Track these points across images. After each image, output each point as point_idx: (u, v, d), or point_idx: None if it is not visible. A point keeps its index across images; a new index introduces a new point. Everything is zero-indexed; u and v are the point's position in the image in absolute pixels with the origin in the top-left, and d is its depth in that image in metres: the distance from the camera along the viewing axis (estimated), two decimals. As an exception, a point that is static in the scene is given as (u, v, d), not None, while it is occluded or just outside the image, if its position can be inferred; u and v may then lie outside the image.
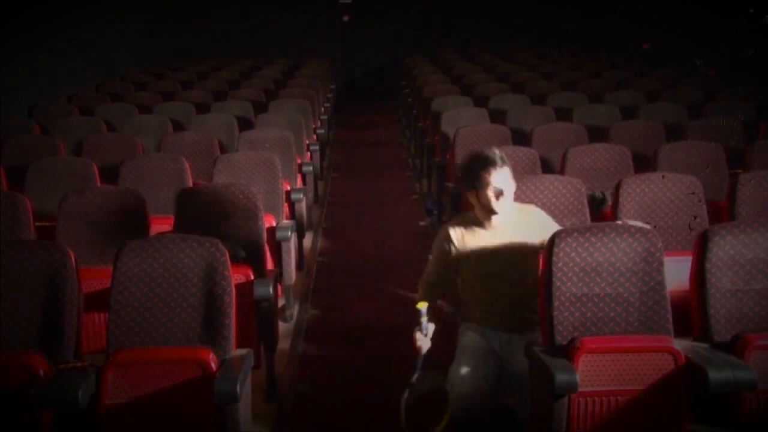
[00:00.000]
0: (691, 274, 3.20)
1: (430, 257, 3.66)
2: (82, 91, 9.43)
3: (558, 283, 3.10)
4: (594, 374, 2.95)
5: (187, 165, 5.27)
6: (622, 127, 6.54)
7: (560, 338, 3.08)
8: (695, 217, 4.28)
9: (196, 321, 3.12)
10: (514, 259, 3.44)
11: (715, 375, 2.82)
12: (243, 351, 3.15)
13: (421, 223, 7.27)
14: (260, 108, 8.17)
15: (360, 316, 5.19)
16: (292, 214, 5.74)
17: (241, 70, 11.79)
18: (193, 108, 7.88)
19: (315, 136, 8.29)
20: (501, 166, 3.42)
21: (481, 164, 3.46)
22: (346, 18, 15.48)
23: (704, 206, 4.32)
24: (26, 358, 2.90)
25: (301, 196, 5.84)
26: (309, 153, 7.42)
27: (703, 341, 3.13)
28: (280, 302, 4.87)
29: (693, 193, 4.32)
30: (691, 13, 10.84)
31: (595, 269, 3.11)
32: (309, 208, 6.46)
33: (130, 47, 12.54)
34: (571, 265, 3.11)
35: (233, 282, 3.17)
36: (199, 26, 14.58)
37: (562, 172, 5.33)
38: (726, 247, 3.13)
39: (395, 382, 4.19)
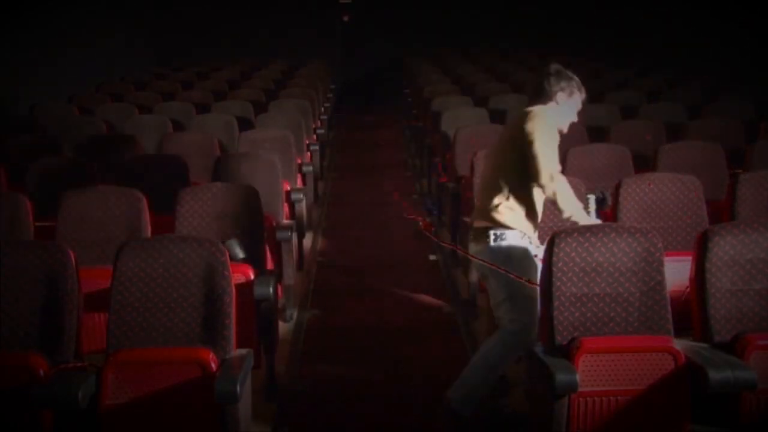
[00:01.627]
0: (691, 274, 3.20)
1: (546, 146, 3.41)
2: (82, 91, 9.43)
3: (558, 283, 3.10)
4: (594, 374, 2.95)
5: (187, 165, 5.27)
6: (622, 127, 6.54)
7: (560, 338, 3.09)
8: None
9: (196, 321, 3.12)
10: None
11: (715, 375, 2.82)
12: (243, 351, 3.15)
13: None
14: (260, 108, 8.18)
15: (360, 316, 5.19)
16: (292, 214, 5.74)
17: (241, 70, 11.80)
18: (193, 108, 7.88)
19: (315, 136, 8.29)
20: None
21: (582, 88, 3.58)
22: (346, 18, 15.49)
23: (704, 206, 4.32)
24: (26, 358, 2.90)
25: (301, 196, 5.84)
26: (309, 153, 7.42)
27: (703, 341, 3.13)
28: (280, 302, 4.88)
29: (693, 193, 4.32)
30: (691, 14, 10.84)
31: (595, 269, 3.11)
32: (309, 208, 6.46)
33: (130, 47, 12.54)
34: (571, 265, 3.11)
35: (233, 282, 3.17)
36: (199, 26, 14.59)
37: (562, 172, 5.32)
38: (726, 247, 3.13)
39: (395, 382, 4.20)
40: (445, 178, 6.50)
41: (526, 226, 3.50)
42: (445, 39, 14.69)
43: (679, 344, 3.00)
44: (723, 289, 3.12)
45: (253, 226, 4.25)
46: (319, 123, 9.00)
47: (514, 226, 3.46)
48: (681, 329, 3.21)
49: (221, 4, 14.81)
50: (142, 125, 7.08)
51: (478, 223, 3.53)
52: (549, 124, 3.46)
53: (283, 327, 4.76)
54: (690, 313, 3.22)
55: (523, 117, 3.48)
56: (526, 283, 3.39)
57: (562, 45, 13.75)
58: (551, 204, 3.49)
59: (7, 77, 7.83)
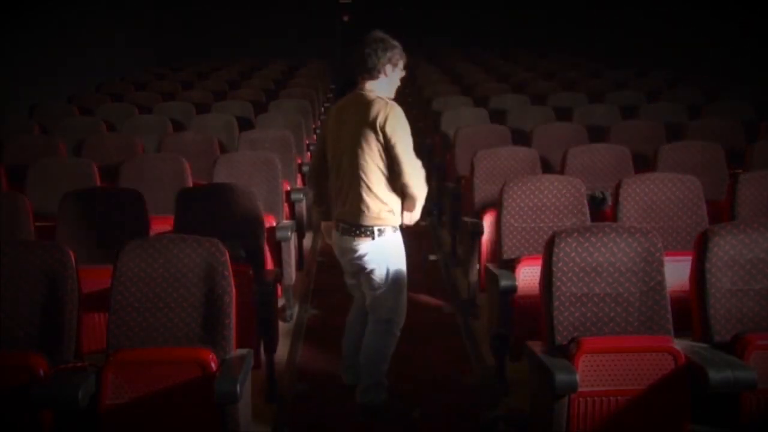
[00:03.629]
0: (691, 274, 3.20)
1: (410, 147, 3.52)
2: (82, 91, 9.43)
3: (558, 283, 3.10)
4: (594, 374, 2.95)
5: (187, 165, 5.27)
6: (622, 127, 6.54)
7: (560, 338, 3.09)
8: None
9: (196, 321, 3.12)
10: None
11: (715, 375, 2.82)
12: (243, 351, 3.15)
13: (422, 223, 7.26)
14: (260, 108, 8.17)
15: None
16: (292, 214, 5.74)
17: (241, 70, 11.79)
18: (193, 108, 7.88)
19: (315, 136, 8.29)
20: None
21: (403, 54, 3.58)
22: (346, 18, 15.49)
23: (704, 206, 4.32)
24: (26, 358, 2.90)
25: (301, 196, 5.84)
26: (309, 153, 7.42)
27: (703, 341, 3.13)
28: (280, 302, 4.88)
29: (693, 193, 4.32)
30: (691, 14, 10.85)
31: (595, 269, 3.12)
32: (309, 208, 6.47)
33: (130, 47, 12.54)
34: (571, 265, 3.11)
35: (233, 282, 3.17)
36: (199, 26, 14.58)
37: (562, 172, 5.33)
38: (726, 247, 3.13)
39: (395, 382, 4.20)
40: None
41: (396, 218, 3.59)
42: (445, 39, 14.69)
43: (679, 344, 3.00)
44: (723, 289, 3.12)
45: (253, 226, 4.25)
46: (319, 123, 9.00)
47: (390, 222, 3.56)
48: (681, 329, 3.21)
49: (221, 4, 14.81)
50: (142, 125, 7.08)
51: (360, 220, 3.53)
52: (402, 117, 3.49)
53: (283, 327, 4.76)
54: (690, 313, 3.22)
55: (371, 105, 3.46)
56: (403, 275, 3.66)
57: (562, 45, 13.75)
58: (406, 200, 3.56)
59: (7, 77, 7.83)
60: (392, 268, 3.60)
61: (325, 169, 3.73)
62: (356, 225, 3.54)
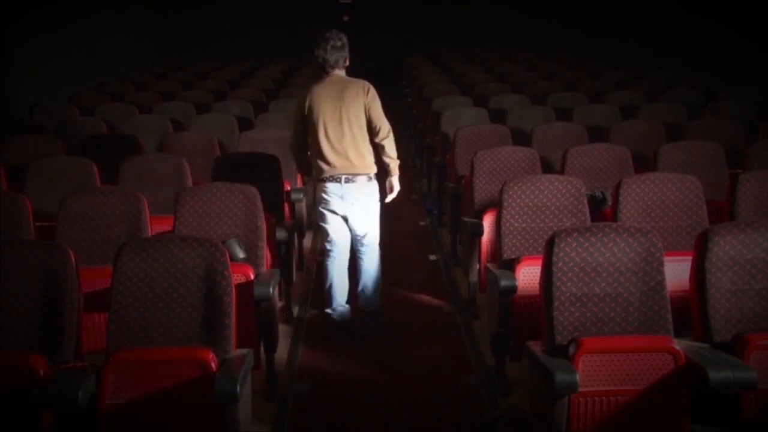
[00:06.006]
0: (691, 274, 3.20)
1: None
2: (82, 91, 9.43)
3: (558, 283, 3.10)
4: (594, 374, 2.95)
5: (187, 165, 5.27)
6: (622, 127, 6.54)
7: (560, 338, 3.09)
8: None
9: (196, 321, 3.12)
10: None
11: (715, 375, 2.82)
12: (243, 351, 3.15)
13: (421, 223, 7.27)
14: (260, 108, 8.17)
15: (359, 315, 5.17)
16: (292, 214, 5.73)
17: (241, 70, 11.79)
18: (193, 108, 7.88)
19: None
20: None
21: None
22: (346, 18, 15.49)
23: (704, 206, 4.32)
24: (26, 358, 2.90)
25: (301, 196, 5.84)
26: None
27: (703, 341, 3.13)
28: (280, 302, 4.88)
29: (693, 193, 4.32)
30: (691, 15, 10.85)
31: (595, 269, 3.12)
32: (309, 208, 6.47)
33: (130, 47, 12.54)
34: (571, 265, 3.11)
35: (233, 282, 3.17)
36: (199, 26, 14.58)
37: (562, 172, 5.33)
38: (726, 247, 3.13)
39: (395, 382, 4.20)
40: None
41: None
42: (445, 39, 14.69)
43: (679, 344, 3.00)
44: (723, 289, 3.12)
45: (253, 226, 4.26)
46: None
47: (374, 170, 4.70)
48: (681, 329, 3.22)
49: (221, 4, 14.81)
50: (142, 125, 7.08)
51: (360, 170, 4.60)
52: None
53: (283, 327, 4.76)
54: (690, 313, 3.23)
55: (355, 83, 4.60)
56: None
57: (562, 45, 13.75)
58: (383, 150, 4.68)
59: (7, 77, 7.83)
60: (378, 204, 4.74)
61: (303, 141, 4.75)
62: (359, 174, 4.60)
